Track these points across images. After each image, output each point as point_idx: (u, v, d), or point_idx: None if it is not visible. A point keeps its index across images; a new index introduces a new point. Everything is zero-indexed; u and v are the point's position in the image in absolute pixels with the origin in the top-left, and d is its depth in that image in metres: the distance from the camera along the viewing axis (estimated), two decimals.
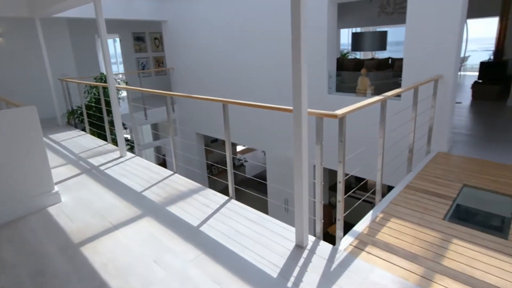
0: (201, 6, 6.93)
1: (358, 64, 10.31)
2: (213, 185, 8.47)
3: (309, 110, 2.05)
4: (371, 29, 12.88)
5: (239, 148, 11.94)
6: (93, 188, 3.45)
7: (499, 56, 7.52)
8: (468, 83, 9.20)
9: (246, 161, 10.65)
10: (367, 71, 4.66)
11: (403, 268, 2.05)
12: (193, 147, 8.23)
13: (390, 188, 3.34)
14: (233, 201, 2.99)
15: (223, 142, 8.50)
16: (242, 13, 6.09)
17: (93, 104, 6.12)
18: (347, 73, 5.57)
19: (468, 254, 2.20)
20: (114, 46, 10.16)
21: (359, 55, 13.60)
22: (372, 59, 10.14)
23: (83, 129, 5.96)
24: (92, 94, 6.26)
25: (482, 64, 7.50)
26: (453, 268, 2.05)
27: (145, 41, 10.12)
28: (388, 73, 6.56)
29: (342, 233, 2.33)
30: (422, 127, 3.93)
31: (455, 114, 5.79)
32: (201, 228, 2.58)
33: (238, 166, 10.43)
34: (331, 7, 4.69)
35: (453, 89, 3.89)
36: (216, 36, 6.78)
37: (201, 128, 8.00)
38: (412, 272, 2.01)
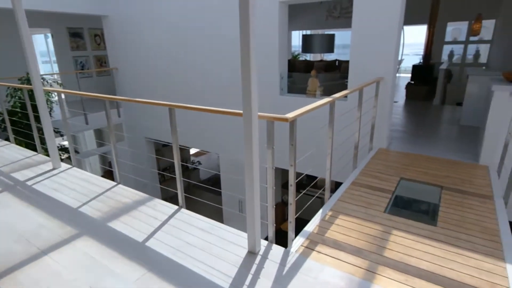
0: (146, 0, 6.62)
1: (308, 66, 10.68)
2: (165, 194, 8.21)
3: (259, 113, 2.08)
4: (320, 32, 13.44)
5: (194, 150, 11.68)
6: (17, 208, 2.97)
7: (427, 60, 8.33)
8: (403, 83, 10.04)
9: (200, 163, 10.50)
10: (316, 72, 4.86)
11: (350, 263, 2.19)
12: (142, 153, 7.87)
13: (338, 184, 3.54)
14: (184, 210, 2.87)
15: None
16: (191, 10, 5.95)
17: (18, 110, 5.54)
18: (298, 75, 5.76)
19: (405, 243, 2.42)
20: (46, 43, 9.30)
21: (309, 56, 14.11)
22: (321, 60, 10.58)
23: (7, 139, 5.19)
24: (17, 97, 5.66)
25: (414, 67, 8.25)
26: (392, 259, 2.24)
27: (83, 37, 9.40)
28: (335, 74, 6.90)
29: (293, 235, 2.42)
30: (365, 126, 4.21)
31: (393, 113, 6.31)
32: (148, 244, 2.40)
33: (192, 169, 10.23)
34: (282, 8, 4.81)
35: (392, 90, 4.22)
36: (164, 34, 6.55)
37: (150, 133, 7.63)
38: (358, 267, 2.15)
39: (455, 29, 9.57)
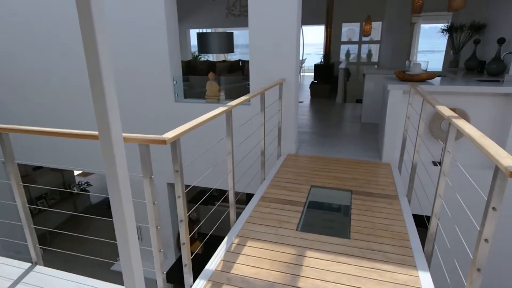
0: None
1: (211, 67, 10.23)
2: (38, 231, 6.49)
3: (125, 135, 1.53)
4: (222, 30, 13.07)
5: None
6: None
7: (327, 60, 8.68)
8: (307, 83, 10.36)
9: (89, 185, 8.84)
10: (215, 75, 4.42)
11: None
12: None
13: (250, 196, 3.18)
14: (40, 268, 2.14)
15: (51, 168, 6.54)
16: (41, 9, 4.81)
17: None
18: (196, 78, 5.25)
19: (320, 265, 2.14)
20: None
21: (212, 57, 13.67)
22: (224, 61, 10.24)
23: None
24: None
25: (316, 66, 8.50)
26: None
27: None
28: (238, 76, 6.58)
29: (191, 279, 1.93)
30: (272, 132, 3.94)
31: (299, 114, 6.27)
32: None
33: (76, 194, 8.44)
34: (169, 2, 4.23)
35: (296, 92, 4.03)
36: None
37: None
38: None
39: (349, 30, 10.24)
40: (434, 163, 3.71)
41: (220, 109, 2.27)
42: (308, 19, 10.70)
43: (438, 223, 2.25)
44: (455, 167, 2.25)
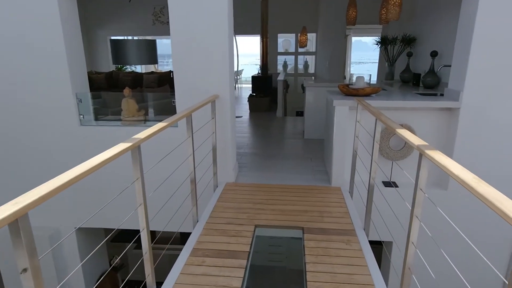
0: None
1: (137, 80, 9.26)
2: None
3: None
4: (151, 38, 12.07)
5: None
6: None
7: (265, 71, 8.34)
8: (246, 95, 9.94)
9: None
10: (131, 91, 3.66)
11: None
12: None
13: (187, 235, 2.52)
14: None
15: None
16: None
17: None
18: (112, 94, 4.41)
19: None
20: None
21: (140, 68, 12.61)
22: (153, 72, 9.36)
23: None
24: None
25: (254, 78, 8.10)
26: None
27: None
28: (166, 90, 5.84)
29: None
30: (206, 158, 3.31)
31: (236, 132, 5.73)
32: None
33: None
34: (67, 4, 3.39)
35: (232, 109, 3.47)
36: None
37: None
38: None
39: (285, 41, 10.12)
40: (386, 184, 3.41)
41: (122, 145, 1.59)
42: (243, 28, 10.38)
43: (417, 251, 1.82)
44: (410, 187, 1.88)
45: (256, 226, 2.71)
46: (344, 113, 3.23)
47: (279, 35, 9.94)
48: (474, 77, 2.87)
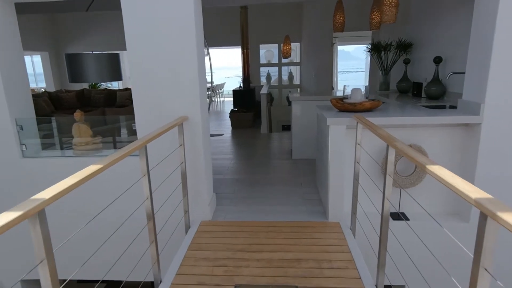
0: None
1: (111, 97, 8.57)
2: None
3: None
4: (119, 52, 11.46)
5: None
6: None
7: (247, 84, 7.80)
8: (228, 109, 9.35)
9: None
10: (83, 114, 3.01)
11: None
12: None
13: None
14: None
15: None
16: None
17: None
18: (66, 118, 3.74)
19: None
20: None
21: (118, 84, 11.93)
22: (127, 89, 8.70)
23: None
24: None
25: (235, 92, 7.54)
26: None
27: None
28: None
29: None
30: (176, 193, 2.69)
31: (216, 153, 5.11)
32: None
33: None
34: (4, 9, 2.76)
35: (205, 132, 2.88)
36: None
37: None
38: None
39: (268, 51, 9.65)
40: (394, 216, 2.84)
41: (59, 187, 0.97)
42: (223, 40, 9.89)
43: None
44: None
45: (236, 286, 2.07)
46: (341, 134, 2.66)
47: (261, 45, 9.47)
48: (498, 86, 2.36)
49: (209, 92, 12.12)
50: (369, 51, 4.74)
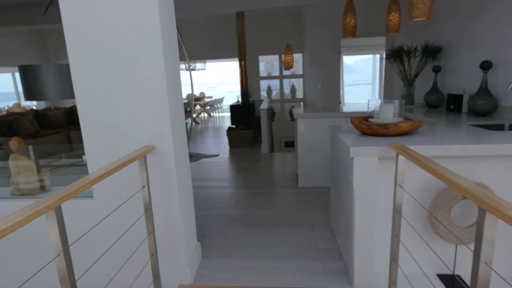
0: None
1: (72, 116, 7.88)
2: None
3: None
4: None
5: None
6: None
7: (246, 98, 7.09)
8: (228, 125, 8.61)
9: None
10: (21, 142, 2.26)
11: None
12: None
13: None
14: None
15: None
16: None
17: None
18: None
19: None
20: None
21: None
22: None
23: None
24: None
25: (232, 108, 6.82)
26: None
27: None
28: None
29: None
30: (141, 250, 1.91)
31: (209, 179, 4.34)
32: None
33: None
34: None
35: (180, 166, 2.13)
36: None
37: None
38: None
39: (268, 63, 8.99)
40: (444, 278, 2.04)
41: None
42: (219, 52, 9.27)
43: None
44: None
45: None
46: (371, 168, 1.89)
47: (260, 57, 8.82)
48: None
49: (196, 111, 11.32)
50: (387, 59, 4.02)
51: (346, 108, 4.35)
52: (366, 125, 2.09)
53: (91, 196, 1.99)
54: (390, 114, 2.16)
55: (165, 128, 1.89)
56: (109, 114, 1.89)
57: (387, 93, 5.72)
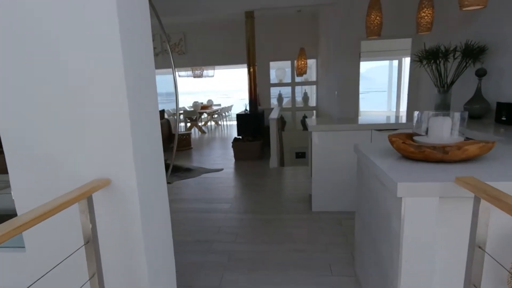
0: None
1: None
2: None
3: None
4: None
5: None
6: None
7: (255, 107, 6.53)
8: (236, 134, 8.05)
9: None
10: None
11: None
12: None
13: None
14: None
15: None
16: None
17: None
18: None
19: None
20: None
21: None
22: None
23: None
24: None
25: (239, 116, 6.26)
26: None
27: None
28: None
29: None
30: None
31: (207, 201, 3.73)
32: None
33: None
34: None
35: (149, 202, 1.54)
36: None
37: None
38: None
39: (279, 70, 8.44)
40: None
41: None
42: (228, 58, 8.78)
43: None
44: None
45: None
46: (429, 214, 1.28)
47: (271, 63, 8.28)
48: None
49: (202, 119, 10.51)
50: (418, 61, 3.39)
51: (365, 119, 3.73)
52: (414, 148, 1.48)
53: (22, 247, 1.42)
54: (447, 132, 1.55)
55: (125, 155, 1.31)
56: (42, 137, 1.32)
57: (412, 102, 5.07)
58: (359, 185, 2.05)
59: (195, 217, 3.32)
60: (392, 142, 1.61)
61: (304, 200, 3.64)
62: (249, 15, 6.05)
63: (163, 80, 16.25)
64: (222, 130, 11.01)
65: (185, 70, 11.63)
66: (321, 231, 2.85)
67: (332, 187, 3.24)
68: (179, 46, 8.75)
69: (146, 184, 1.43)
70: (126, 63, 1.26)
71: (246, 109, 6.65)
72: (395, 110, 8.76)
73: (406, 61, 8.70)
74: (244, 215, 3.32)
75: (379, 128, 3.12)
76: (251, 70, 6.42)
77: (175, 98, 1.89)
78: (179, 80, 14.68)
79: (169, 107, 12.05)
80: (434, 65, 3.21)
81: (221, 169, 5.19)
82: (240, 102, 15.00)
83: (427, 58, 3.25)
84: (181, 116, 10.47)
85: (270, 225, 3.05)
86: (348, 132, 3.16)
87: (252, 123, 6.19)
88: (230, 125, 11.90)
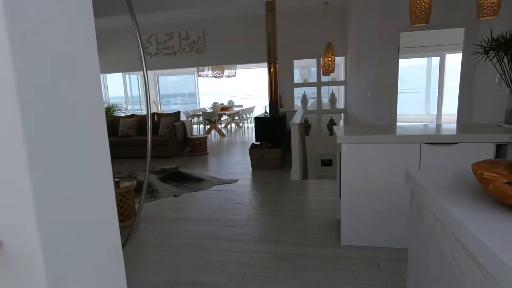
0: None
1: (113, 126, 7.10)
2: None
3: None
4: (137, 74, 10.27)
5: None
6: None
7: (275, 109, 5.90)
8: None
9: None
10: None
11: None
12: None
13: None
14: None
15: None
16: None
17: None
18: None
19: None
20: None
21: (133, 107, 10.63)
22: (133, 116, 7.21)
23: None
24: None
25: (257, 120, 5.65)
26: None
27: None
28: None
29: None
30: None
31: (214, 222, 3.13)
32: None
33: None
34: None
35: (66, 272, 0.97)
36: None
37: None
38: None
39: (304, 68, 7.76)
40: None
41: None
42: (247, 56, 8.22)
43: None
44: None
45: None
46: None
47: (295, 61, 7.61)
48: None
49: (222, 121, 9.77)
50: (482, 53, 2.63)
51: (409, 127, 3.00)
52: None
53: None
54: None
55: (21, 208, 0.73)
56: None
57: (464, 105, 4.24)
58: (416, 228, 1.37)
59: (197, 245, 2.75)
60: (486, 182, 0.93)
61: (331, 227, 2.96)
62: (270, 7, 5.43)
63: (185, 80, 15.96)
64: (243, 133, 10.46)
65: (205, 70, 11.20)
66: (353, 278, 2.18)
67: (366, 214, 2.56)
68: (198, 44, 8.30)
69: (64, 242, 0.84)
70: (50, 91, 0.67)
71: (266, 112, 6.03)
72: (435, 113, 7.82)
73: (450, 57, 7.74)
74: (256, 246, 2.70)
75: (432, 141, 2.40)
76: (272, 69, 5.79)
77: (146, 100, 1.34)
78: (199, 81, 14.30)
79: (188, 108, 11.66)
80: (507, 57, 2.44)
81: (236, 180, 4.60)
82: (263, 104, 14.40)
83: (497, 48, 2.48)
84: (200, 118, 10.04)
85: (286, 264, 2.41)
86: (389, 145, 2.46)
87: (272, 127, 5.57)
88: (253, 128, 11.33)
